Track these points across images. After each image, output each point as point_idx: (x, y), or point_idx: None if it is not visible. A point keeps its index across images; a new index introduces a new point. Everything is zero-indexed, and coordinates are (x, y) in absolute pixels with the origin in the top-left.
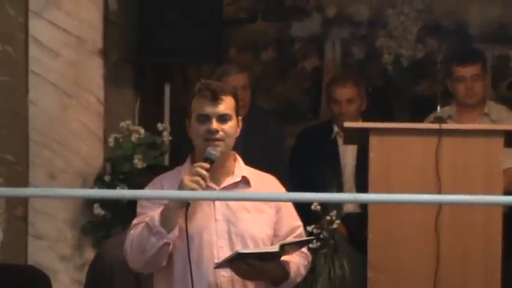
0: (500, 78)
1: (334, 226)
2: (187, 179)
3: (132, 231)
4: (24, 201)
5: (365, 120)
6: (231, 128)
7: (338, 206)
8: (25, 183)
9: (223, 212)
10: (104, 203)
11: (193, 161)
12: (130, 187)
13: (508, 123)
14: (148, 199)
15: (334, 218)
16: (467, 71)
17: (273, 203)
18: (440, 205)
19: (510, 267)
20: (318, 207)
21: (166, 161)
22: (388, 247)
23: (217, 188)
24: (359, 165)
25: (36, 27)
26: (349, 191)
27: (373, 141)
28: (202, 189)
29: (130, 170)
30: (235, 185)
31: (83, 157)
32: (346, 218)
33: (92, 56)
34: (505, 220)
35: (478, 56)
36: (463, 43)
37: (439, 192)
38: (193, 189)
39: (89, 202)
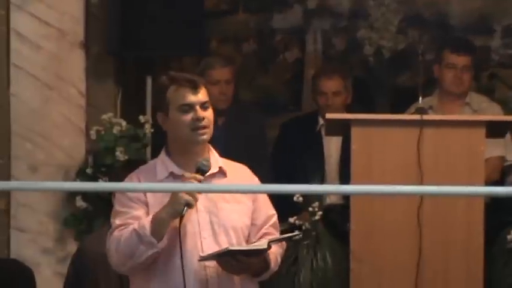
0: (481, 69)
1: (317, 217)
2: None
3: (117, 233)
4: (6, 194)
5: (348, 113)
6: (211, 115)
7: (320, 197)
8: (7, 176)
9: (204, 203)
10: (85, 195)
11: (168, 153)
12: (112, 180)
13: (489, 114)
14: (130, 191)
15: (316, 209)
16: (460, 60)
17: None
18: (422, 196)
19: (492, 257)
20: (300, 199)
21: (148, 153)
22: (371, 238)
23: None
24: (343, 158)
25: (18, 20)
26: (333, 183)
27: (355, 132)
28: (197, 201)
29: (112, 163)
30: (212, 176)
31: (65, 150)
32: (329, 209)
33: (73, 49)
34: (486, 210)
35: (472, 48)
36: (446, 34)
37: (421, 183)
38: (188, 201)
39: (71, 195)
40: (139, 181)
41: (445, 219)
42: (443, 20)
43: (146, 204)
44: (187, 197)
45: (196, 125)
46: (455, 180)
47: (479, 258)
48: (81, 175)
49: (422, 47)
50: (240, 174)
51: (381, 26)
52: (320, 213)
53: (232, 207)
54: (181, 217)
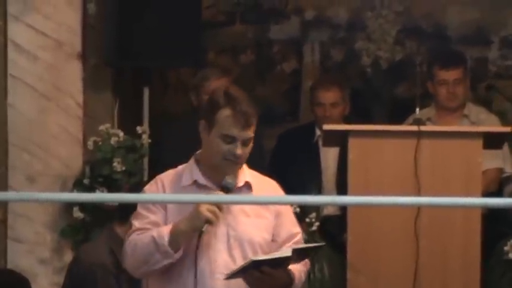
0: (479, 80)
1: (314, 228)
2: (204, 208)
3: (134, 236)
4: (3, 204)
5: (346, 124)
6: (249, 150)
7: (317, 208)
8: (4, 187)
9: (223, 215)
10: (83, 206)
11: (197, 163)
12: (110, 190)
13: (487, 125)
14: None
15: (313, 220)
16: (450, 74)
17: (273, 208)
18: (419, 207)
19: (490, 268)
20: (297, 210)
21: (145, 164)
22: (368, 249)
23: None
24: (340, 168)
25: (15, 31)
26: (330, 194)
27: (352, 143)
28: (218, 218)
29: (109, 173)
30: (238, 190)
31: (62, 160)
32: (326, 220)
33: (70, 60)
34: (483, 221)
35: (460, 60)
36: (444, 45)
37: (418, 194)
38: (209, 218)
39: (68, 205)
40: (163, 184)
41: (442, 230)
42: (441, 31)
43: (164, 209)
44: (208, 214)
45: (229, 157)
46: (452, 191)
47: (477, 269)
48: (79, 185)
49: (419, 58)
50: (266, 188)
51: (378, 37)
52: (317, 224)
53: (252, 222)
54: (201, 232)
